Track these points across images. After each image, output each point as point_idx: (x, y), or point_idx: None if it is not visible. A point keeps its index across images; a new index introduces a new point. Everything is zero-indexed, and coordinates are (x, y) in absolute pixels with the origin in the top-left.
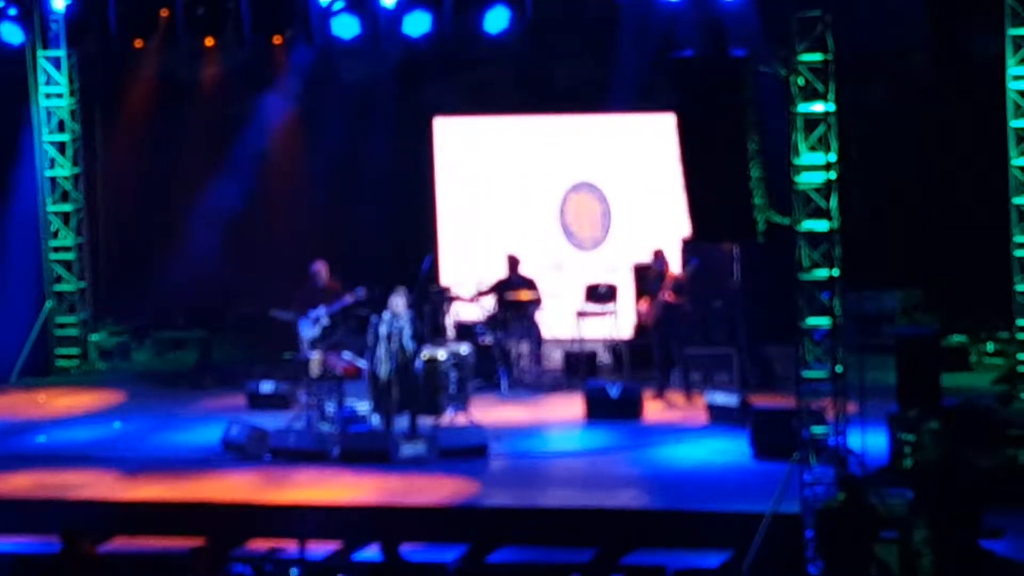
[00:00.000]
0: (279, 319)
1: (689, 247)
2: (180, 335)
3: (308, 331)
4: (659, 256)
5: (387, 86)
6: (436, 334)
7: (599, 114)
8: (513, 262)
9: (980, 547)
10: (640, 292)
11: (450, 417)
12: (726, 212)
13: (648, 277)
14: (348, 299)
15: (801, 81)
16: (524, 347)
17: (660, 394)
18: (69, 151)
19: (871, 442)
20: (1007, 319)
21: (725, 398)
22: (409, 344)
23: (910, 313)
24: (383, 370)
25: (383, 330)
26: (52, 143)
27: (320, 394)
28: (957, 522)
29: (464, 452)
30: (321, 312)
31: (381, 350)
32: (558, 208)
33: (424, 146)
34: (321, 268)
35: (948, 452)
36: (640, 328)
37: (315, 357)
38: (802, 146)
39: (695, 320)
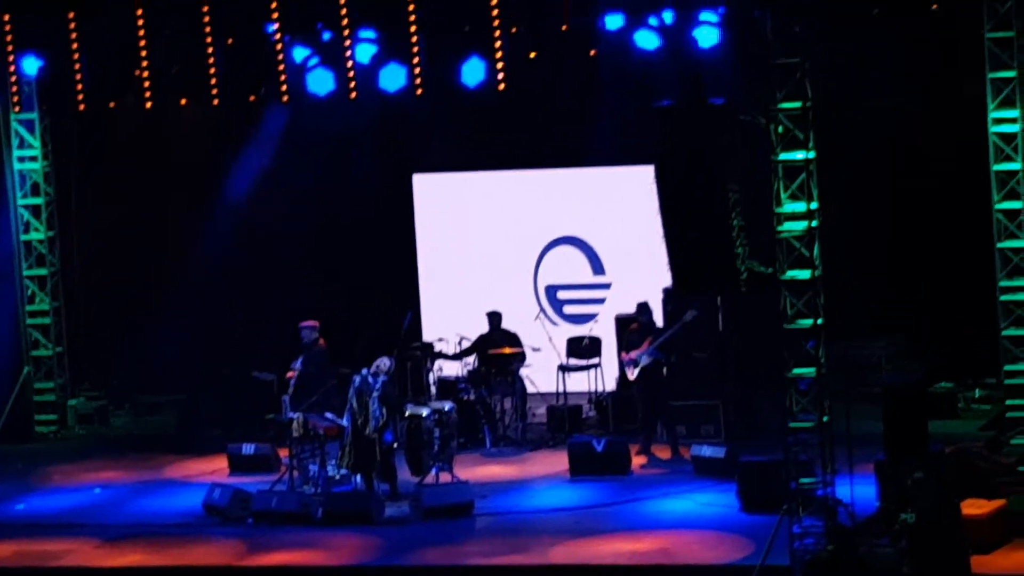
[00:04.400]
0: (260, 380)
1: (672, 298)
2: (159, 399)
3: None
4: (643, 308)
5: (365, 142)
6: (418, 392)
7: (579, 168)
8: (495, 318)
9: None
10: (624, 344)
11: (434, 475)
12: (708, 262)
13: (632, 329)
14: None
15: (781, 129)
16: (508, 403)
17: (646, 448)
18: (44, 214)
19: (860, 492)
20: (994, 365)
21: (711, 451)
22: (374, 407)
23: (896, 361)
24: (351, 430)
25: (356, 386)
26: (26, 207)
27: (302, 455)
28: (948, 571)
29: (449, 511)
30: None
31: (352, 409)
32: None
33: (404, 202)
34: (306, 326)
35: (937, 499)
36: (624, 381)
37: (297, 418)
38: (783, 194)
39: (681, 372)
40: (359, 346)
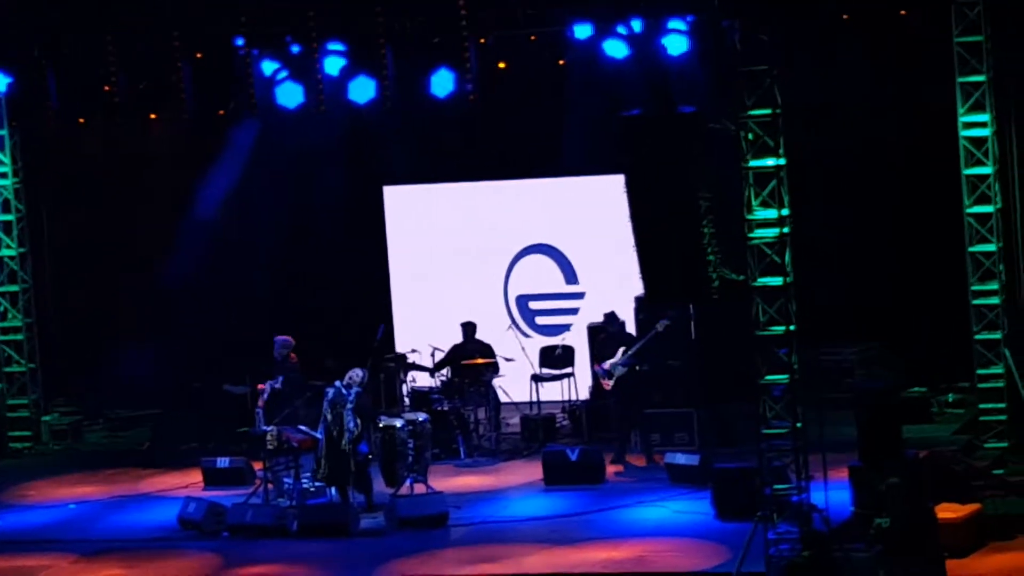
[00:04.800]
0: (232, 394)
1: (644, 307)
2: (133, 413)
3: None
4: (611, 318)
5: (335, 154)
6: (392, 403)
7: (550, 178)
8: (468, 328)
9: None
10: (595, 354)
11: (408, 486)
12: (680, 271)
13: (601, 339)
14: (266, 388)
15: (751, 136)
16: (481, 413)
17: (620, 456)
18: (15, 231)
19: (834, 497)
20: (967, 369)
21: (686, 458)
22: (348, 418)
23: (868, 366)
24: (325, 441)
25: (329, 398)
26: None
27: (277, 468)
28: (922, 574)
29: (424, 522)
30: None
31: (326, 421)
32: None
33: (375, 214)
34: (280, 341)
35: (911, 504)
36: (597, 390)
37: (271, 431)
38: (754, 201)
39: (655, 380)
40: (331, 359)
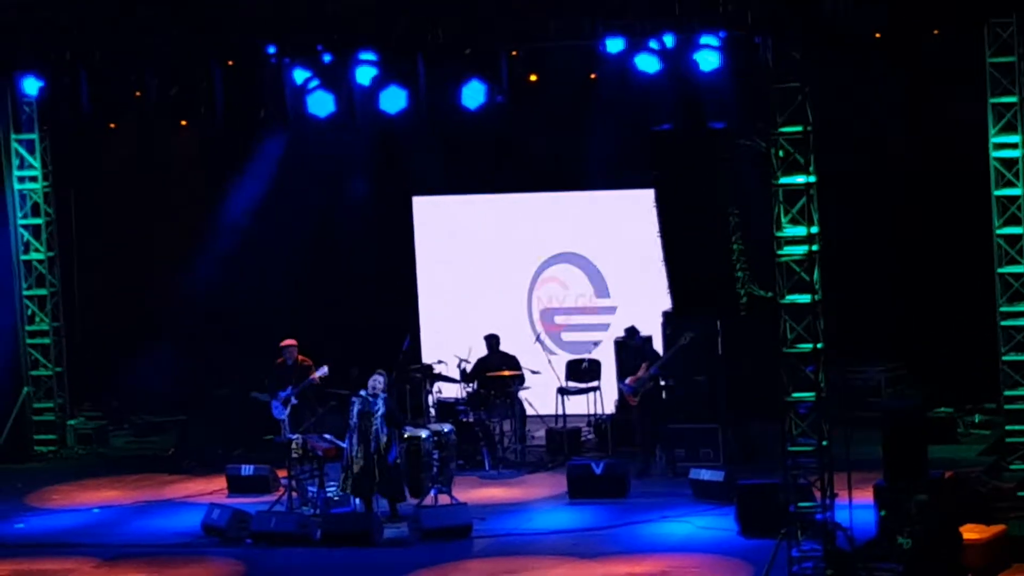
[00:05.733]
0: (258, 401)
1: (671, 321)
2: (158, 419)
3: (279, 412)
4: (631, 332)
5: (365, 164)
6: (417, 414)
7: (579, 191)
8: (493, 341)
9: None
10: (620, 370)
11: (433, 497)
12: (707, 286)
13: (624, 355)
14: (313, 377)
15: (781, 153)
16: (507, 425)
17: (644, 471)
18: (44, 235)
19: (859, 516)
20: (994, 390)
21: (710, 474)
22: (380, 427)
23: (895, 385)
24: (357, 452)
25: (357, 409)
26: (26, 227)
27: (301, 476)
28: None
29: (447, 533)
30: (288, 392)
31: (354, 431)
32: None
33: (403, 224)
34: (290, 346)
35: (936, 524)
36: (623, 404)
37: (296, 439)
38: (783, 219)
39: (680, 395)
40: (356, 368)
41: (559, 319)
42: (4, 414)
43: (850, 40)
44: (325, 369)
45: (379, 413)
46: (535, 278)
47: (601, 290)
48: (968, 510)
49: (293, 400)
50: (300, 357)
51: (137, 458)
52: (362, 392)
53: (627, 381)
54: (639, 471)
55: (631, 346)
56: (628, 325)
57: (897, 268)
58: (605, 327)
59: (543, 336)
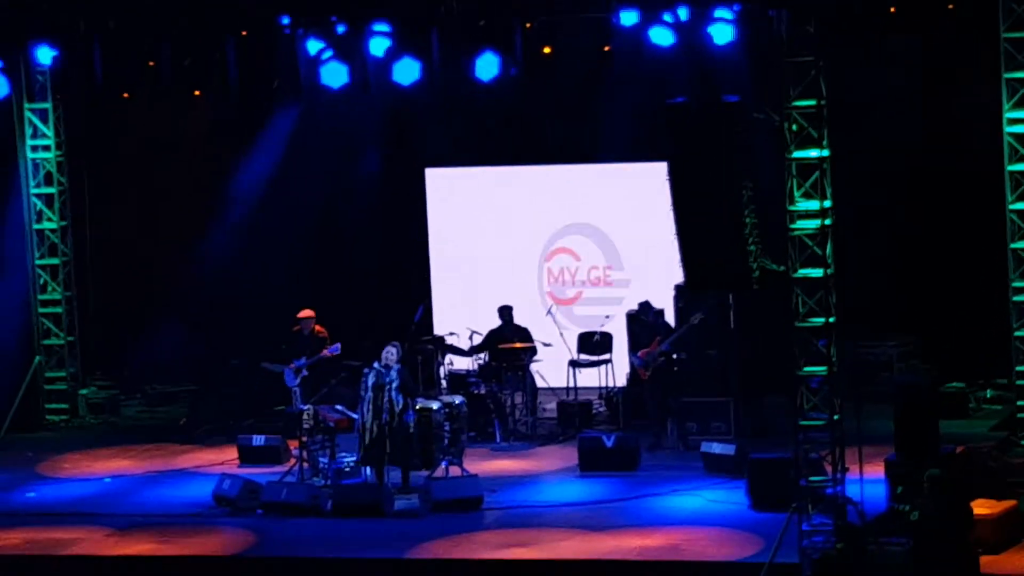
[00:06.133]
0: (270, 371)
1: (683, 295)
2: (170, 389)
3: (291, 381)
4: (645, 307)
5: (377, 135)
6: (429, 385)
7: (592, 164)
8: (506, 312)
9: None
10: (633, 344)
11: (443, 469)
12: (720, 260)
13: (637, 329)
14: (326, 354)
15: (795, 127)
16: (518, 397)
17: (656, 444)
18: (56, 204)
19: (869, 491)
20: (1005, 365)
21: (721, 448)
22: (396, 397)
23: (907, 360)
24: (370, 423)
25: (371, 381)
26: (39, 196)
27: (313, 447)
28: (956, 570)
29: (458, 504)
30: (302, 362)
31: (369, 403)
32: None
33: (416, 196)
34: (308, 318)
35: (947, 500)
36: (635, 378)
37: (307, 410)
38: (796, 192)
39: (692, 369)
40: (368, 340)
41: (571, 292)
42: (16, 383)
43: (865, 14)
44: (338, 347)
45: (394, 384)
46: (547, 250)
47: (615, 263)
48: (978, 485)
49: (304, 371)
50: (317, 328)
51: (148, 428)
52: (376, 364)
53: (639, 354)
54: (651, 444)
55: (644, 321)
56: (642, 300)
57: (910, 243)
58: (619, 300)
59: (554, 309)
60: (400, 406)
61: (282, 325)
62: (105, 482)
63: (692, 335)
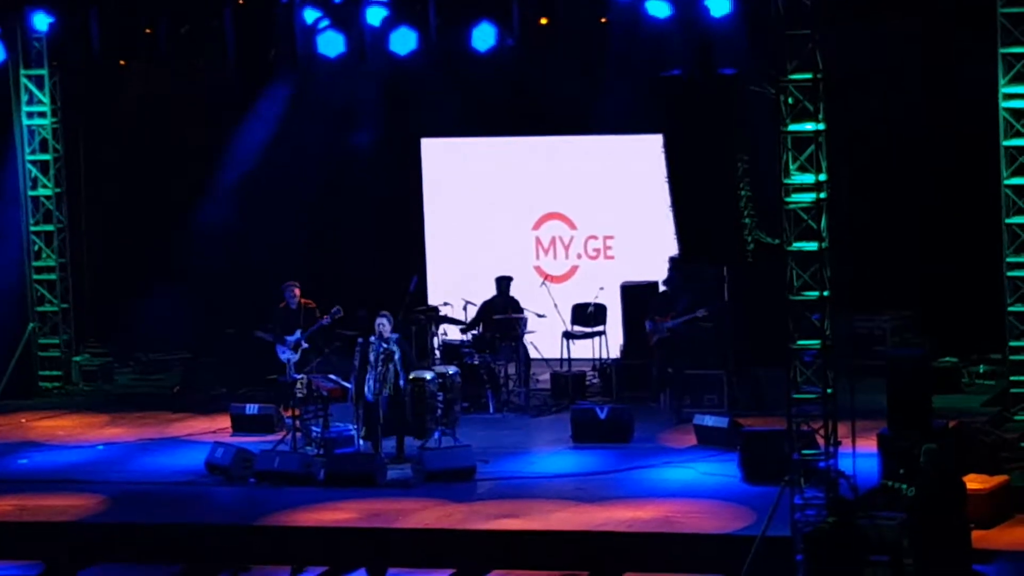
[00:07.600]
0: (263, 340)
1: (677, 266)
2: (163, 357)
3: (286, 355)
4: (668, 280)
5: (374, 106)
6: (422, 356)
7: (588, 135)
8: (503, 283)
9: (972, 571)
10: (651, 310)
11: (437, 439)
12: (715, 232)
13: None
14: (325, 320)
15: (791, 100)
16: (512, 368)
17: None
18: (52, 171)
19: (862, 464)
20: (999, 340)
21: (714, 420)
22: (400, 368)
23: (901, 334)
24: (372, 393)
25: (372, 353)
26: (34, 162)
27: (306, 416)
28: (949, 545)
29: (451, 475)
30: (298, 336)
31: (370, 373)
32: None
33: (412, 166)
34: (293, 288)
35: (939, 474)
36: (628, 349)
37: (301, 379)
38: (792, 166)
39: (686, 342)
40: (363, 310)
41: (565, 263)
42: (10, 350)
43: None
44: (339, 310)
45: (397, 355)
46: (542, 220)
47: (608, 234)
48: (971, 460)
49: (304, 344)
50: (304, 300)
51: (142, 396)
52: (372, 338)
53: (658, 319)
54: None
55: (668, 289)
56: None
57: (905, 217)
58: (611, 271)
59: (548, 281)
60: (403, 380)
61: (277, 295)
62: (98, 449)
63: (693, 324)
